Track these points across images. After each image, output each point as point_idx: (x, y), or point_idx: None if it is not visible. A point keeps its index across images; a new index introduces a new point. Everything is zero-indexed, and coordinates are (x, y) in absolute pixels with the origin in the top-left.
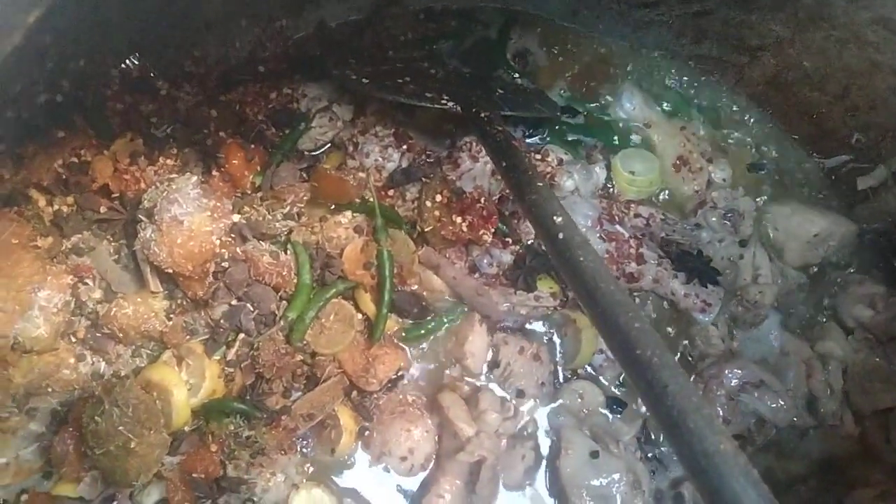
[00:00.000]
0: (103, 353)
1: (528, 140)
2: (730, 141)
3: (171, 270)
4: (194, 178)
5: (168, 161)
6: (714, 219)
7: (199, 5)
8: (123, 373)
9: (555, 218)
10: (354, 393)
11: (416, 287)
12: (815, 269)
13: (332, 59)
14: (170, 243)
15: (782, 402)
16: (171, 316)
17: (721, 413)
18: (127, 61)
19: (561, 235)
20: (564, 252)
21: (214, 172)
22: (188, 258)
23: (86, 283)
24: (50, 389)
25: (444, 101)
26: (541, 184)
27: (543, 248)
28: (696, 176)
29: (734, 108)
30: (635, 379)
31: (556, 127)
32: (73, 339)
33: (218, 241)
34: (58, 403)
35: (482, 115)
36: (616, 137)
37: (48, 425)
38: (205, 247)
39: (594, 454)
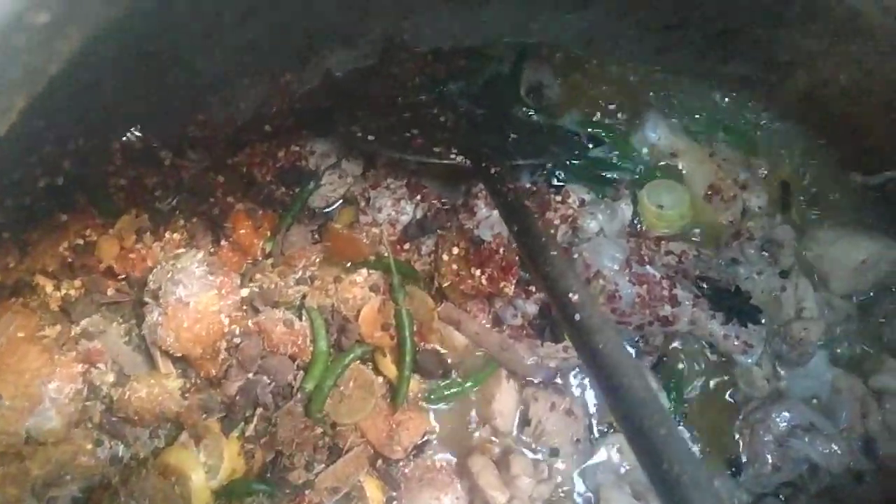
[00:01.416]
0: (121, 437)
1: (551, 187)
2: (763, 165)
3: (180, 354)
4: (199, 255)
5: (174, 235)
6: (751, 251)
7: (199, 68)
8: (142, 455)
9: (571, 296)
10: (380, 462)
11: (437, 345)
12: (865, 298)
13: (340, 114)
14: (176, 327)
15: (835, 447)
16: (186, 395)
17: (770, 460)
18: (128, 134)
19: (578, 317)
20: (582, 336)
21: (223, 242)
22: (196, 341)
23: (98, 368)
24: (69, 477)
25: (452, 157)
26: (555, 252)
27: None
28: (730, 205)
29: (767, 129)
30: (662, 498)
31: (576, 163)
32: (90, 425)
33: (227, 319)
34: (78, 490)
35: (492, 170)
36: (641, 169)
37: None
38: (213, 328)
39: None
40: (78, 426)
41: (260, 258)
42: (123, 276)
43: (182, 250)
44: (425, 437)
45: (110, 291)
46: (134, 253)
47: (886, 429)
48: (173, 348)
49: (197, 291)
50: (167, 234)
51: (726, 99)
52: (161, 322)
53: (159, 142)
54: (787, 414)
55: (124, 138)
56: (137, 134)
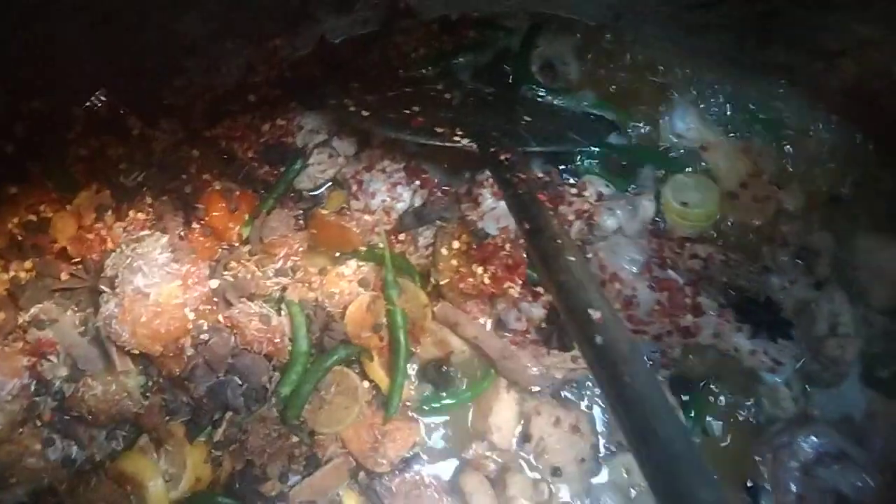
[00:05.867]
0: (74, 437)
1: (565, 178)
2: (802, 163)
3: (137, 351)
4: (164, 240)
5: (139, 215)
6: (784, 258)
7: (176, 27)
8: (98, 458)
9: (591, 312)
10: (362, 474)
11: (432, 348)
12: None
13: (333, 85)
14: (132, 321)
15: (868, 479)
16: (148, 395)
17: (794, 489)
18: (92, 98)
19: (599, 340)
20: (603, 364)
21: (194, 225)
22: (155, 338)
23: (49, 360)
24: (14, 480)
25: (457, 139)
26: (573, 258)
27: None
28: (763, 206)
29: (807, 124)
30: None
31: (594, 152)
32: (38, 423)
33: (192, 314)
34: (24, 494)
35: (502, 157)
36: (666, 162)
37: None
38: (173, 324)
39: None
40: (25, 424)
41: (236, 244)
42: (79, 259)
43: (147, 232)
44: (414, 450)
45: (64, 276)
46: (92, 233)
47: None
48: (129, 344)
49: (158, 281)
50: (131, 214)
51: (764, 89)
52: (116, 314)
53: (128, 108)
54: (815, 439)
55: (88, 103)
56: (103, 98)
